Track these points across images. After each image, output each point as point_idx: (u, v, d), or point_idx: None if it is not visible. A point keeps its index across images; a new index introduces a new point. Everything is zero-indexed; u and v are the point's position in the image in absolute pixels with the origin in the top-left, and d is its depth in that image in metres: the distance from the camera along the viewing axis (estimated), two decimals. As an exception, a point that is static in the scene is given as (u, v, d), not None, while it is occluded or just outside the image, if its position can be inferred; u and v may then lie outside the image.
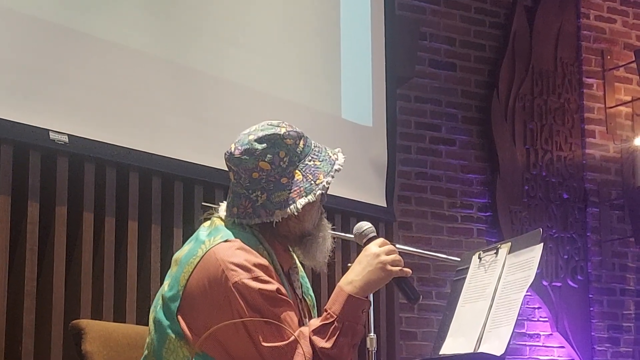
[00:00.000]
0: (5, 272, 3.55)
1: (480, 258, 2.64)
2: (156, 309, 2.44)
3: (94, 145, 3.84)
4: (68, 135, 3.75)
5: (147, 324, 2.50)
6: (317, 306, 2.62)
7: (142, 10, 4.10)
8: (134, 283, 3.94)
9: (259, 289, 2.32)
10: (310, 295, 2.59)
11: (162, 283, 3.94)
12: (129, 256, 3.93)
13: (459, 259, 2.90)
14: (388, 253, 2.43)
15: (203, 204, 4.01)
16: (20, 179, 3.65)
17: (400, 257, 2.45)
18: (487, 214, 5.97)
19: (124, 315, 3.86)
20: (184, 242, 4.00)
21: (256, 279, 2.33)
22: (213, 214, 2.52)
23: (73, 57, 3.82)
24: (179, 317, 2.37)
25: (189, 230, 4.12)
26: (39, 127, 3.67)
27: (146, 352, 2.45)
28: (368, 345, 2.86)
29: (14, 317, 3.58)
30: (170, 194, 4.14)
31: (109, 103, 3.93)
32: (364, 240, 2.51)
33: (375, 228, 2.57)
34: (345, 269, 3.01)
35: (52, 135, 3.70)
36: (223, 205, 2.51)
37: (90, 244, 3.81)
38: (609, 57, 6.48)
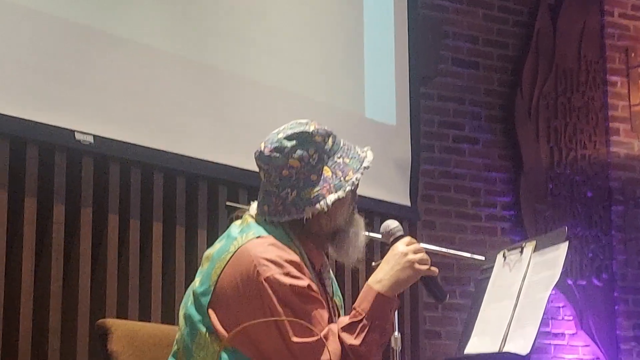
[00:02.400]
0: (31, 272, 3.58)
1: (504, 257, 2.63)
2: (187, 305, 2.45)
3: (119, 145, 3.85)
4: (93, 135, 3.77)
5: (172, 323, 2.52)
6: (344, 307, 2.62)
7: (167, 12, 4.11)
8: (159, 283, 3.96)
9: (291, 284, 2.33)
10: (339, 297, 2.60)
11: (186, 283, 3.98)
12: (153, 256, 3.95)
13: (483, 258, 2.90)
14: (416, 252, 2.44)
15: (227, 204, 4.02)
16: (46, 180, 3.67)
17: (428, 256, 2.45)
18: (511, 212, 5.95)
19: (149, 314, 3.88)
20: (208, 243, 4.06)
21: (288, 274, 2.34)
22: (241, 213, 2.53)
23: (98, 58, 3.84)
24: (210, 311, 2.38)
25: (214, 230, 4.13)
26: (65, 128, 3.70)
27: (176, 347, 2.47)
28: (393, 345, 2.86)
29: (40, 317, 3.60)
30: (194, 194, 4.15)
31: (133, 104, 3.94)
32: (392, 239, 2.51)
33: (399, 227, 2.57)
34: (369, 268, 3.00)
35: (77, 136, 3.72)
36: (254, 205, 2.53)
37: (116, 244, 3.83)
38: (633, 54, 6.44)
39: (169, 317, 3.90)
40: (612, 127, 6.33)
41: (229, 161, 4.22)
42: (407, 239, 2.48)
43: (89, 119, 3.78)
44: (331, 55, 4.83)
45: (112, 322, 2.68)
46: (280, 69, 4.53)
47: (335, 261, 2.65)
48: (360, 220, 2.53)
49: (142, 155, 3.93)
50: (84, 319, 3.69)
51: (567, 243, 2.46)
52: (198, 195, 4.16)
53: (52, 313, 3.61)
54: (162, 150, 4.00)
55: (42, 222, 3.64)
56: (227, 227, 2.54)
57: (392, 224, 2.55)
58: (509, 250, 2.64)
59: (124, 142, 3.87)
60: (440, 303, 2.59)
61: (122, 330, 2.65)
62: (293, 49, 4.61)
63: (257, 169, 2.54)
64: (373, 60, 5.04)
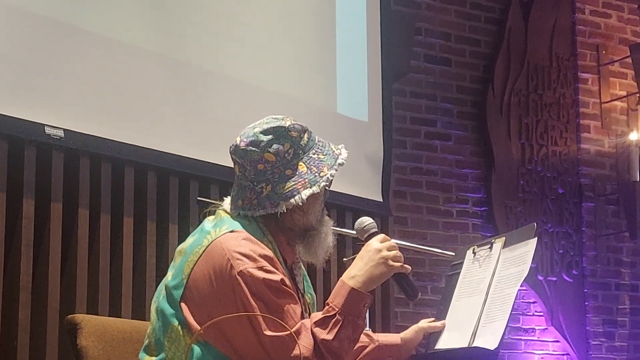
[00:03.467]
0: (0, 267, 3.56)
1: (474, 253, 2.64)
2: (159, 299, 2.45)
3: (90, 139, 3.84)
4: (64, 129, 3.75)
5: (142, 319, 2.52)
6: (315, 304, 2.63)
7: (139, 5, 4.10)
8: (130, 278, 3.95)
9: (264, 278, 2.34)
10: (311, 294, 2.61)
11: (157, 278, 3.97)
12: (124, 251, 3.93)
13: (453, 254, 2.91)
14: (389, 249, 2.46)
15: (198, 199, 4.01)
16: (16, 174, 3.65)
17: (401, 254, 2.47)
18: (483, 208, 5.97)
19: (119, 309, 3.87)
20: (179, 238, 4.06)
21: (261, 268, 2.35)
22: (214, 208, 2.53)
23: (69, 51, 3.82)
24: (182, 304, 2.38)
25: (185, 225, 4.13)
26: (35, 122, 3.67)
27: (147, 341, 2.47)
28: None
29: (9, 312, 3.58)
30: (165, 189, 4.14)
31: (105, 98, 3.93)
32: (366, 236, 2.53)
33: (371, 223, 2.58)
34: (340, 265, 3.02)
35: (47, 130, 3.70)
36: (227, 200, 2.53)
37: (86, 239, 3.81)
38: (604, 52, 6.48)
39: (139, 312, 3.89)
40: (582, 124, 6.36)
41: (201, 156, 4.21)
42: (381, 236, 2.50)
43: (59, 113, 3.76)
44: (304, 51, 4.83)
45: (82, 317, 2.66)
46: (253, 64, 4.52)
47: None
48: (329, 222, 2.55)
49: (113, 150, 3.92)
50: (54, 314, 3.67)
51: (535, 239, 2.47)
52: (169, 190, 4.15)
53: (21, 308, 3.59)
54: (133, 145, 3.98)
55: (11, 216, 3.62)
56: (199, 222, 2.54)
57: (366, 220, 2.56)
58: (478, 246, 2.65)
59: (94, 137, 3.85)
60: (411, 300, 2.61)
61: (92, 325, 2.64)
62: (265, 44, 4.60)
63: (229, 164, 2.54)
64: (345, 56, 5.04)
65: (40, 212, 3.69)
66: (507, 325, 2.37)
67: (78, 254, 3.78)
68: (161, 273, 3.86)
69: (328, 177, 2.47)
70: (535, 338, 6.01)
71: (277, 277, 2.36)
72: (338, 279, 2.46)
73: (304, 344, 2.34)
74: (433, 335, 2.60)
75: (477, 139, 6.03)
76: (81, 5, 3.90)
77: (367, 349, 2.62)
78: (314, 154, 2.48)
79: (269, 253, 2.39)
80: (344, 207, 4.82)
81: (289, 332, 2.31)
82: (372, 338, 2.63)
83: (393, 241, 2.50)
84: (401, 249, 2.52)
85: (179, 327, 2.38)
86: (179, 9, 4.26)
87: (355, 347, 2.52)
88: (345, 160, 2.51)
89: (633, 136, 6.29)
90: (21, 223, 3.63)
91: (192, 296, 2.38)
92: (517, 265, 2.46)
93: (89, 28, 3.90)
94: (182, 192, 4.20)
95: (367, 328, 2.64)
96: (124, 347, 2.66)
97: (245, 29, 4.52)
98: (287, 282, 2.40)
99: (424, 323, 2.64)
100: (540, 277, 6.03)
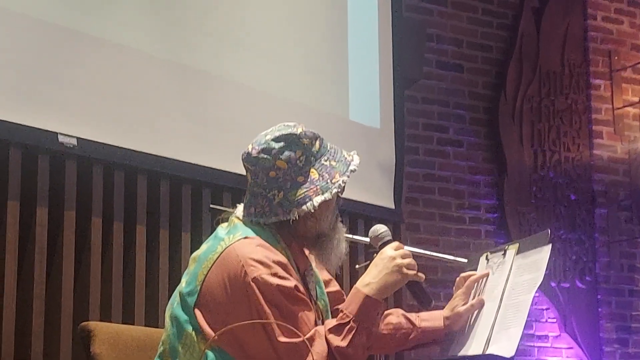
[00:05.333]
0: (14, 275, 3.56)
1: (487, 259, 2.64)
2: (173, 306, 2.46)
3: (103, 148, 3.84)
4: (77, 138, 3.76)
5: (155, 326, 2.52)
6: (329, 311, 2.63)
7: (150, 13, 4.10)
8: (142, 285, 3.95)
9: (278, 284, 2.34)
10: (324, 301, 2.60)
11: (170, 286, 3.97)
12: (137, 259, 3.94)
13: (466, 260, 2.91)
14: (404, 257, 2.46)
15: (211, 206, 4.00)
16: (29, 183, 3.66)
17: (415, 262, 2.47)
18: (495, 215, 5.97)
19: (132, 317, 3.87)
20: (191, 245, 4.06)
21: (275, 275, 2.35)
22: (227, 216, 2.54)
23: (81, 60, 3.83)
24: (196, 311, 2.39)
25: (197, 233, 4.13)
26: (48, 130, 3.68)
27: (162, 348, 2.47)
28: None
29: (23, 319, 3.59)
30: (178, 196, 4.15)
31: (117, 106, 3.93)
32: (380, 244, 2.54)
33: (383, 230, 2.58)
34: (353, 272, 3.00)
35: (60, 139, 3.71)
36: (240, 207, 2.53)
37: (99, 247, 3.82)
38: (616, 58, 6.47)
39: (152, 319, 3.89)
40: (595, 130, 6.35)
41: (213, 164, 4.21)
42: (396, 243, 2.51)
43: (72, 121, 3.77)
44: (316, 58, 4.83)
45: (95, 325, 2.67)
46: (265, 71, 4.53)
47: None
48: (342, 229, 2.55)
49: (126, 158, 3.92)
50: (67, 322, 3.67)
51: (550, 245, 2.47)
52: (182, 197, 4.15)
53: (35, 316, 3.59)
54: (146, 153, 3.99)
55: (25, 224, 3.63)
56: (212, 229, 2.55)
57: (380, 228, 2.57)
58: (491, 253, 2.64)
59: (107, 145, 3.86)
60: (424, 309, 2.59)
61: (105, 332, 2.65)
62: (277, 51, 4.61)
63: (241, 172, 2.55)
64: (357, 63, 5.04)
65: (53, 220, 3.70)
66: (522, 333, 2.36)
67: (91, 261, 3.78)
68: (174, 280, 3.87)
69: (340, 184, 2.47)
70: (549, 345, 5.99)
71: (291, 283, 2.37)
72: (350, 286, 2.46)
73: (318, 351, 2.34)
74: (447, 342, 2.59)
75: (489, 145, 6.02)
76: (93, 13, 3.91)
77: (411, 336, 2.60)
78: (325, 161, 2.49)
79: (283, 259, 2.40)
80: (356, 214, 4.81)
81: (302, 338, 2.31)
82: (415, 325, 2.60)
83: (407, 249, 2.51)
84: (414, 256, 2.52)
85: (193, 334, 2.39)
86: (190, 16, 4.26)
87: (398, 335, 2.53)
88: (357, 166, 2.51)
89: (646, 142, 6.27)
90: (35, 231, 3.64)
91: (206, 302, 2.39)
92: (531, 272, 2.46)
93: (101, 35, 3.91)
94: (194, 199, 4.21)
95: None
96: (137, 355, 2.66)
97: (257, 36, 4.52)
98: (301, 288, 2.40)
99: (458, 299, 2.58)
100: (553, 284, 6.02)
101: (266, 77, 4.53)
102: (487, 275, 2.58)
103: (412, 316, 2.63)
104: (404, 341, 2.61)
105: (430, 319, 2.61)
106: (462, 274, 2.62)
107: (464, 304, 2.56)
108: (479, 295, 2.57)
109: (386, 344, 2.62)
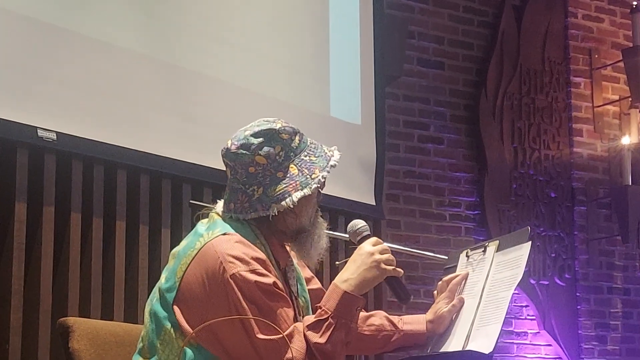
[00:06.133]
0: (-8, 270, 3.55)
1: (468, 256, 2.64)
2: (152, 302, 2.45)
3: (82, 143, 3.83)
4: (56, 132, 3.74)
5: (134, 322, 2.51)
6: (309, 307, 2.62)
7: (131, 9, 4.09)
8: (122, 281, 3.94)
9: (256, 281, 2.33)
10: (304, 297, 2.60)
11: (149, 282, 3.96)
12: (116, 255, 3.92)
13: (446, 257, 2.91)
14: (382, 252, 2.46)
15: (191, 202, 4.01)
16: (8, 177, 3.64)
17: (394, 257, 2.47)
18: (475, 212, 5.98)
19: (111, 313, 3.86)
20: (171, 241, 4.05)
21: (254, 271, 2.34)
22: (207, 211, 2.53)
23: (61, 55, 3.82)
24: (175, 307, 2.38)
25: (177, 229, 4.12)
26: (27, 125, 3.66)
27: (141, 344, 2.46)
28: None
29: (1, 315, 3.57)
30: (158, 192, 4.13)
31: (97, 101, 3.92)
32: (358, 239, 2.53)
33: (363, 226, 2.58)
34: (333, 268, 2.99)
35: (40, 133, 3.69)
36: (220, 203, 2.52)
37: (78, 242, 3.80)
38: (596, 56, 6.49)
39: (132, 315, 3.88)
40: (575, 127, 6.37)
41: (193, 159, 4.20)
42: (374, 239, 2.50)
43: (51, 116, 3.75)
44: (297, 54, 4.83)
45: (74, 321, 2.66)
46: (246, 67, 4.52)
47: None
48: (323, 224, 2.54)
49: (105, 153, 3.91)
50: (46, 317, 3.66)
51: (529, 243, 2.47)
52: (162, 193, 4.14)
53: (13, 311, 3.58)
54: (126, 148, 3.98)
55: (3, 219, 3.61)
56: (192, 225, 2.54)
57: (359, 223, 2.56)
58: (472, 250, 2.65)
59: (87, 140, 3.84)
60: (403, 304, 2.59)
61: (84, 328, 2.63)
62: (258, 48, 4.60)
63: (221, 167, 2.54)
64: (338, 60, 5.04)
65: (32, 215, 3.68)
66: (501, 329, 2.37)
67: (70, 257, 3.77)
68: (153, 276, 3.86)
69: (320, 179, 2.47)
70: (528, 342, 6.01)
71: (269, 280, 2.36)
72: (330, 282, 2.46)
73: (297, 348, 2.33)
74: (428, 338, 2.59)
75: (470, 142, 6.03)
76: (74, 9, 3.89)
77: (393, 338, 2.61)
78: (305, 156, 2.48)
79: (262, 256, 2.39)
80: (336, 211, 4.81)
81: (281, 335, 2.31)
82: (397, 327, 2.62)
83: (386, 244, 2.50)
84: (394, 252, 2.52)
85: (172, 330, 2.38)
86: (173, 13, 4.25)
87: (380, 337, 2.55)
88: (337, 162, 2.51)
89: (625, 140, 6.29)
90: (13, 226, 3.62)
91: (185, 299, 2.37)
92: (510, 268, 2.46)
93: (82, 31, 3.89)
94: (174, 195, 4.19)
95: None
96: (116, 351, 2.65)
97: (238, 33, 4.52)
98: (280, 284, 2.40)
99: (442, 303, 2.58)
100: (532, 281, 6.03)
101: (247, 73, 4.52)
102: (467, 275, 2.58)
103: (395, 319, 2.64)
104: (385, 343, 2.61)
105: (413, 322, 2.62)
106: (444, 278, 2.62)
107: (446, 306, 2.57)
108: (459, 294, 2.57)
109: (368, 345, 2.62)
